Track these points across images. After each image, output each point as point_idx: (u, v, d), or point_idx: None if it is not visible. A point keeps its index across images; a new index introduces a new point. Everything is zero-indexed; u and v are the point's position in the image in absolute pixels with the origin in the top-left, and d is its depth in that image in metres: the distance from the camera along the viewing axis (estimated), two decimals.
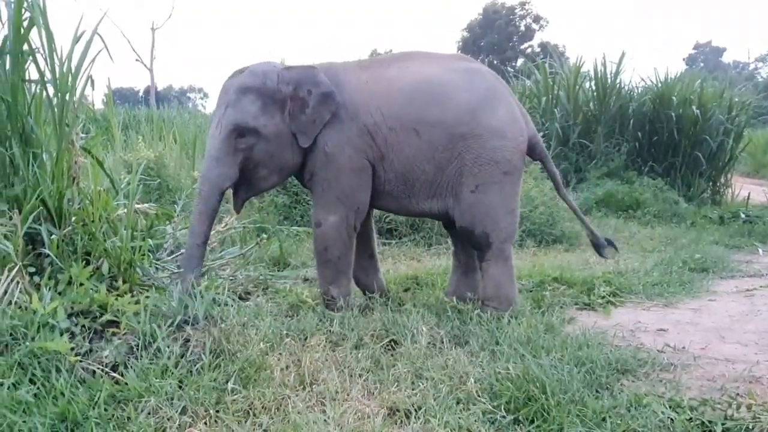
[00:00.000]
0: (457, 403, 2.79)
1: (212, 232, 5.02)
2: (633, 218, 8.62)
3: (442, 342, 3.50)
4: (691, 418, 2.62)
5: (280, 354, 3.15)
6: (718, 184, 11.09)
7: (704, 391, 3.01)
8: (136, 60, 31.16)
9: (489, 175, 3.94)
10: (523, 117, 4.15)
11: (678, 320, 4.33)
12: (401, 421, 2.68)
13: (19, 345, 2.76)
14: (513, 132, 4.01)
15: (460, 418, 2.63)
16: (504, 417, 2.67)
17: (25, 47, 3.79)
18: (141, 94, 48.65)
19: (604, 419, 2.60)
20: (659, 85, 11.17)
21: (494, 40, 44.80)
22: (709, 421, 2.61)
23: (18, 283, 3.22)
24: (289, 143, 3.94)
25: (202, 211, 3.87)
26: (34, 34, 3.78)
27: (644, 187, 9.51)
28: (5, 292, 3.14)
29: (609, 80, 11.15)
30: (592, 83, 11.45)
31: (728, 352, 3.65)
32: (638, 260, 6.11)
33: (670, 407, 2.70)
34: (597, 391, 2.90)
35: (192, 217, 3.98)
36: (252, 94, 3.86)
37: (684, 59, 52.84)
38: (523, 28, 46.73)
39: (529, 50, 44.12)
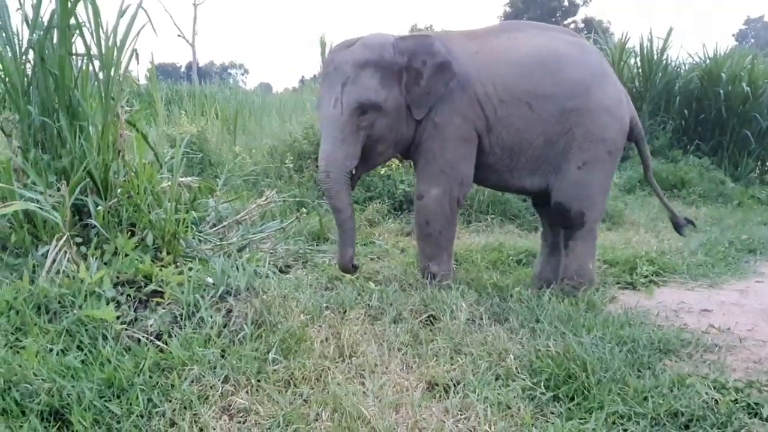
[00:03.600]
0: (497, 379, 2.79)
1: (253, 206, 5.10)
2: (678, 197, 8.46)
3: (482, 318, 3.49)
4: (736, 400, 2.59)
5: (320, 326, 3.18)
6: (767, 163, 10.80)
7: (750, 373, 2.97)
8: (179, 36, 31.40)
9: (596, 154, 3.89)
10: (625, 96, 4.08)
11: (723, 301, 4.26)
12: (440, 396, 2.69)
13: (67, 313, 2.83)
14: (620, 111, 3.96)
15: (499, 393, 2.63)
16: (543, 394, 2.66)
17: (72, 21, 3.83)
18: (183, 69, 49.13)
19: (645, 398, 2.58)
20: (707, 61, 10.87)
21: (537, 15, 44.06)
22: (755, 403, 2.57)
23: (66, 252, 3.29)
24: (405, 116, 3.88)
25: (339, 190, 3.82)
26: (80, 8, 3.82)
27: (690, 166, 9.31)
28: (54, 262, 3.21)
29: (655, 56, 10.89)
30: (638, 59, 11.20)
31: None
32: (682, 240, 5.98)
33: (714, 388, 2.66)
34: (639, 371, 2.87)
35: (331, 199, 3.92)
36: (370, 67, 3.76)
37: (734, 35, 51.44)
38: (566, 2, 45.95)
39: (572, 26, 43.34)
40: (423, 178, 3.99)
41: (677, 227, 4.61)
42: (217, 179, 5.69)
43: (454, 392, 2.67)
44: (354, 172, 3.91)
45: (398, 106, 3.83)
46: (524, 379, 2.77)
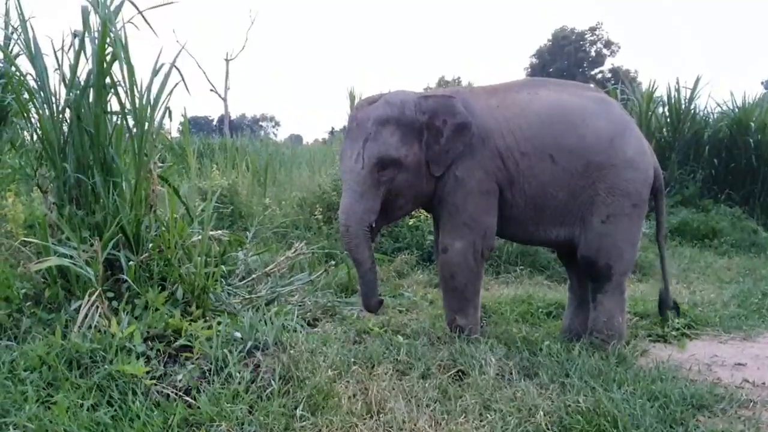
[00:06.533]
0: None
1: (281, 259, 5.13)
2: (709, 248, 8.34)
3: (511, 373, 3.45)
4: None
5: (347, 382, 3.16)
6: None
7: None
8: (211, 90, 32.01)
9: (620, 207, 3.90)
10: (649, 149, 4.12)
11: (757, 354, 4.18)
12: None
13: (98, 368, 2.86)
14: (644, 164, 3.99)
15: None
16: None
17: (108, 80, 3.96)
18: (215, 122, 49.92)
19: None
20: (736, 110, 10.85)
21: (563, 66, 44.37)
22: None
23: (98, 307, 3.34)
24: (425, 172, 3.93)
25: (358, 244, 3.90)
26: (116, 68, 3.95)
27: (721, 216, 9.21)
28: (86, 316, 3.26)
29: (683, 106, 10.89)
30: (666, 109, 11.22)
31: None
32: (714, 291, 5.92)
33: None
34: (671, 427, 2.83)
35: (351, 252, 4.00)
36: (391, 125, 3.85)
37: (763, 83, 51.00)
38: (593, 53, 46.20)
39: (599, 76, 43.52)
40: (446, 232, 4.01)
41: (662, 305, 4.54)
42: (247, 232, 5.76)
43: None
44: (373, 225, 3.95)
45: (418, 163, 3.88)
46: None
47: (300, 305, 4.68)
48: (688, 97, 10.94)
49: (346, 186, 3.94)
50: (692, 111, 10.99)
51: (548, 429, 2.79)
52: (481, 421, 2.87)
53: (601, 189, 3.87)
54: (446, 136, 3.84)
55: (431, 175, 3.93)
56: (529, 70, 46.50)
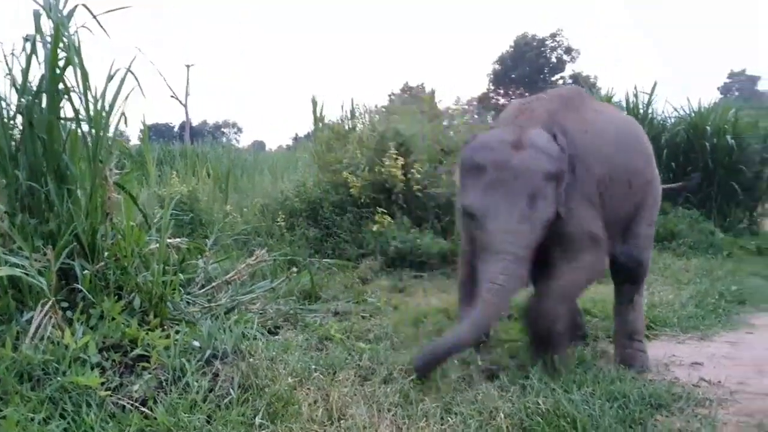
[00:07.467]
0: None
1: (242, 266, 5.07)
2: (668, 249, 8.45)
3: (472, 376, 3.45)
4: None
5: (308, 389, 3.14)
6: (755, 214, 10.82)
7: (741, 428, 2.96)
8: (171, 96, 31.73)
9: (655, 214, 4.21)
10: None
11: (714, 354, 4.24)
12: None
13: (51, 380, 2.79)
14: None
15: None
16: None
17: (61, 86, 3.88)
18: (176, 129, 49.47)
19: None
20: (692, 114, 11.05)
21: (525, 72, 44.85)
22: None
23: (51, 318, 3.25)
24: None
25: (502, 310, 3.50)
26: (69, 73, 3.87)
27: (679, 218, 9.34)
28: (38, 327, 3.18)
29: (641, 111, 11.08)
30: (624, 113, 11.39)
31: (767, 387, 3.56)
32: (673, 292, 5.99)
33: None
34: (630, 427, 2.86)
35: (492, 319, 3.50)
36: (553, 179, 3.38)
37: (718, 88, 52.10)
38: (554, 59, 46.75)
39: (560, 82, 44.07)
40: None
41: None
42: (207, 239, 5.69)
43: None
44: None
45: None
46: None
47: (261, 313, 4.63)
48: (645, 102, 11.14)
49: (501, 250, 3.29)
50: (650, 115, 11.20)
51: (509, 431, 2.80)
52: (442, 424, 2.88)
53: (647, 201, 4.08)
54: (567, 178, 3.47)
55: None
56: (492, 76, 46.93)
